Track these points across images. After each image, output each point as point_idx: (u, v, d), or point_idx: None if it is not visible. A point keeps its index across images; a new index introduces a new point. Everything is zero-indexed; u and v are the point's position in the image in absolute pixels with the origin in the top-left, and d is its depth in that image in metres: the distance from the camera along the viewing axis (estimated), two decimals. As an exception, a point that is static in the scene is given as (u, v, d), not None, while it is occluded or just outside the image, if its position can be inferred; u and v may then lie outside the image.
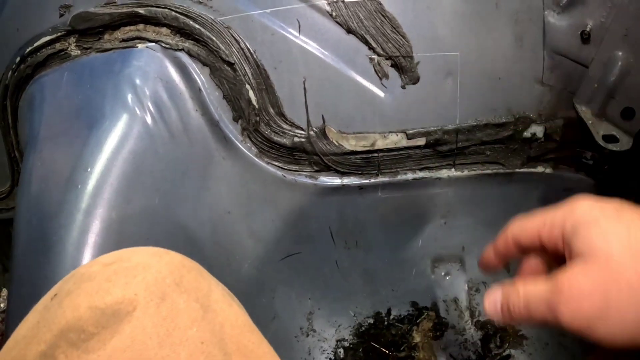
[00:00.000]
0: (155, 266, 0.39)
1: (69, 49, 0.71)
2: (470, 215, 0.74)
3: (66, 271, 0.54)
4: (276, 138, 0.67)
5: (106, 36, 0.69)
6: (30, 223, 0.63)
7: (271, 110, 0.66)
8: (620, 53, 0.63)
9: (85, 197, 0.57)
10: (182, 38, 0.66)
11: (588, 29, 0.64)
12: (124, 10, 0.67)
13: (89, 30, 0.69)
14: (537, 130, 0.70)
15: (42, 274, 0.57)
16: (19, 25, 0.73)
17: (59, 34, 0.70)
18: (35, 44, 0.71)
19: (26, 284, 0.61)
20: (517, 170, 0.71)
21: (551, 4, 0.65)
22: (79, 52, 0.70)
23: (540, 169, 0.72)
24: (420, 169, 0.69)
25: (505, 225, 0.43)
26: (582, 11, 0.64)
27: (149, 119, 0.64)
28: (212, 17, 0.64)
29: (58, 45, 0.71)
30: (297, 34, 0.63)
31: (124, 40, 0.68)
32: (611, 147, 0.66)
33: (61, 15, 0.69)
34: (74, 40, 0.70)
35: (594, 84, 0.66)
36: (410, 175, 0.69)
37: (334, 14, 0.62)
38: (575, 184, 0.74)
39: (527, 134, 0.69)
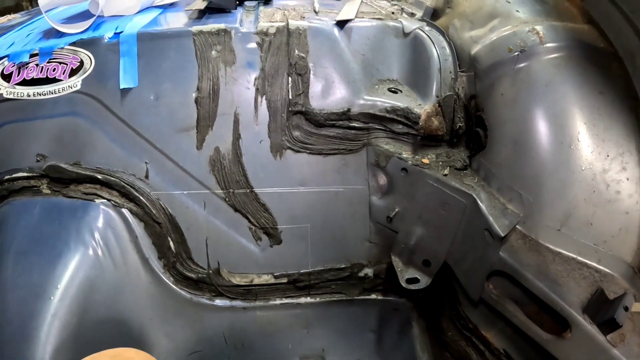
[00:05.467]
0: None
1: (41, 187, 1.06)
2: (326, 327, 1.13)
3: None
4: (186, 273, 1.05)
5: (72, 186, 1.06)
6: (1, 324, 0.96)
7: (184, 255, 1.05)
8: (417, 228, 1.05)
9: (54, 305, 0.92)
10: (126, 199, 1.05)
11: (392, 214, 1.05)
12: (87, 173, 1.04)
13: (59, 179, 1.05)
14: (368, 271, 1.10)
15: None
16: (3, 156, 1.05)
17: (34, 174, 1.04)
18: (14, 175, 1.04)
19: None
20: (356, 297, 1.11)
21: (374, 191, 1.07)
22: (49, 192, 1.05)
23: (373, 296, 1.12)
24: (286, 297, 1.08)
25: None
26: (393, 198, 1.06)
27: (99, 253, 1.00)
28: (148, 191, 1.03)
29: (33, 182, 1.05)
30: (203, 209, 1.02)
31: (84, 194, 1.05)
32: (412, 287, 1.06)
33: (37, 161, 1.05)
34: (46, 182, 1.06)
35: (402, 245, 1.08)
36: (278, 301, 1.08)
37: (227, 199, 1.02)
38: (400, 305, 1.14)
39: (361, 274, 1.10)
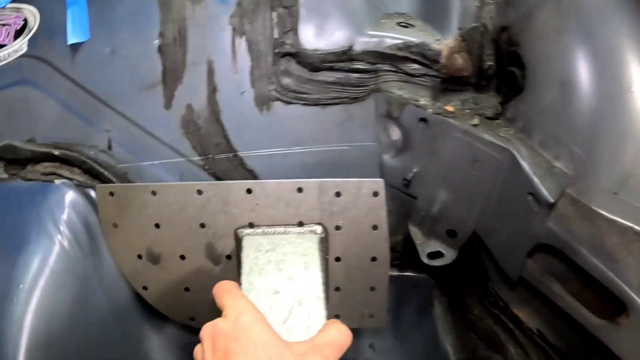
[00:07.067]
0: None
1: None
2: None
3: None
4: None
5: (29, 167, 0.91)
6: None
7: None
8: (440, 191, 0.88)
9: (18, 309, 0.79)
10: (90, 177, 0.89)
11: (410, 176, 0.88)
12: (43, 149, 0.89)
13: (15, 160, 0.91)
14: (382, 244, 0.94)
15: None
16: None
17: None
18: None
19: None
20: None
21: (386, 149, 0.89)
22: (7, 175, 0.92)
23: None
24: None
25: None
26: (409, 157, 0.89)
27: (65, 243, 0.86)
28: (114, 164, 0.87)
29: None
30: (179, 181, 0.87)
31: (43, 174, 0.90)
32: (435, 263, 0.91)
33: None
34: (2, 165, 0.93)
35: (422, 212, 0.91)
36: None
37: (206, 166, 0.86)
38: (420, 282, 0.99)
39: (374, 248, 0.94)
